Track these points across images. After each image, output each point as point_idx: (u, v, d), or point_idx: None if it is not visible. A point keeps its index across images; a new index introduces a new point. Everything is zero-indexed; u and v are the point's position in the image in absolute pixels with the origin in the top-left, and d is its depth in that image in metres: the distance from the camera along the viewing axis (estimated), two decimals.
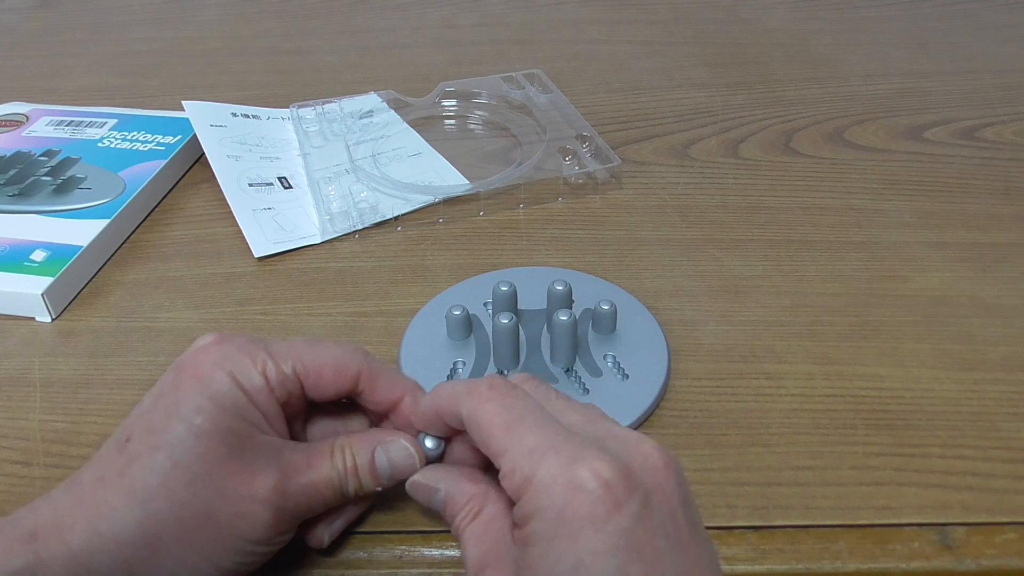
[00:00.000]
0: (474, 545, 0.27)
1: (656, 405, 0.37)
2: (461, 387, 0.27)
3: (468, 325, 0.40)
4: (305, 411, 0.31)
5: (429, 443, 0.30)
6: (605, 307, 0.39)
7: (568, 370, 0.38)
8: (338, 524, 0.31)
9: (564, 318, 0.37)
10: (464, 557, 0.27)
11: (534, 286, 0.42)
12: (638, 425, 0.36)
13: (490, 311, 0.41)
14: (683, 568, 0.23)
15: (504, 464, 0.25)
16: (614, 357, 0.39)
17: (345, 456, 0.29)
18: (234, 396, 0.27)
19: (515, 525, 0.25)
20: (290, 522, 0.29)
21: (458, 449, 0.30)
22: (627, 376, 0.38)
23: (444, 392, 0.28)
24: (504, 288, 0.39)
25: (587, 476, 0.23)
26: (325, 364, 0.29)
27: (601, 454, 0.24)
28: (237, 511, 0.26)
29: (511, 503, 0.25)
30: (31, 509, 0.26)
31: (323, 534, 0.31)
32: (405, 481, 0.30)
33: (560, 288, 0.39)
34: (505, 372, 0.38)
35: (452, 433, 0.30)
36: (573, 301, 0.40)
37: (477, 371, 0.38)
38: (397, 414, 0.31)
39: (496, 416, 0.26)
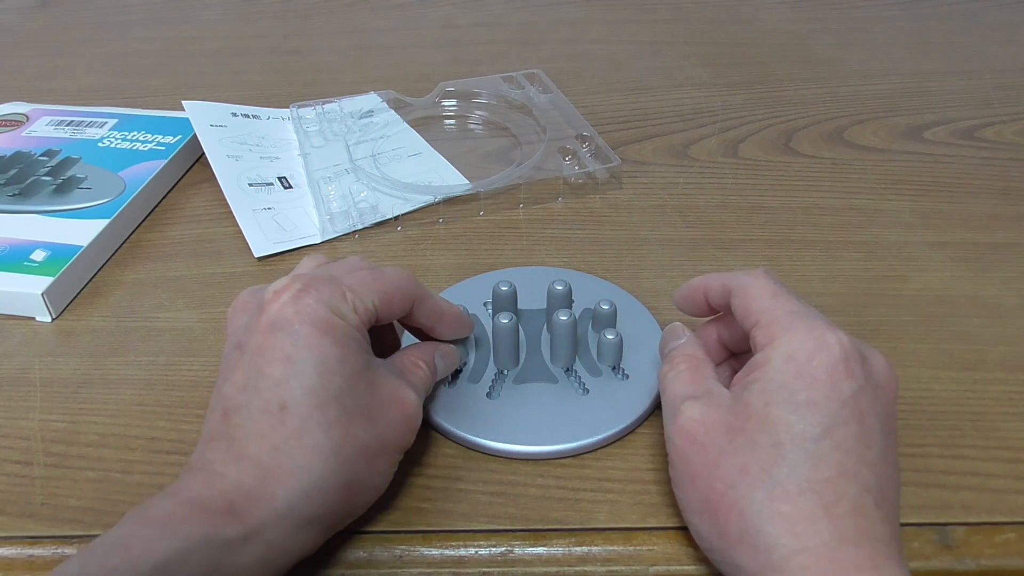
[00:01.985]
0: (682, 384, 0.32)
1: (656, 405, 0.37)
2: (731, 273, 0.33)
3: None
4: None
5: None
6: (605, 307, 0.39)
7: (568, 370, 0.38)
8: None
9: (564, 318, 0.37)
10: (667, 392, 0.32)
11: (534, 286, 0.42)
12: (637, 425, 0.36)
13: (490, 311, 0.41)
14: (884, 453, 0.27)
15: (763, 318, 0.30)
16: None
17: (417, 363, 0.34)
18: (352, 334, 0.30)
19: (749, 370, 0.30)
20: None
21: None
22: (627, 376, 0.38)
23: (714, 276, 0.34)
24: (504, 288, 0.39)
25: (834, 341, 0.28)
26: (395, 292, 0.32)
27: (847, 335, 0.29)
28: (401, 429, 0.31)
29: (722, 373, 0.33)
30: (207, 485, 0.27)
31: None
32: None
33: (560, 288, 0.39)
34: (504, 372, 0.38)
35: (705, 312, 0.35)
36: (573, 301, 0.40)
37: (477, 371, 0.38)
38: (439, 328, 0.35)
39: (766, 287, 0.31)
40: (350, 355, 0.29)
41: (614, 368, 0.38)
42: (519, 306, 0.41)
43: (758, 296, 0.31)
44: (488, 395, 0.37)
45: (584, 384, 0.38)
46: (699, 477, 0.28)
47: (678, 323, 0.36)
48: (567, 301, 0.40)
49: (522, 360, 0.39)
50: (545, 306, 0.41)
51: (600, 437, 0.35)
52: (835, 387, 0.27)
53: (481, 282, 0.44)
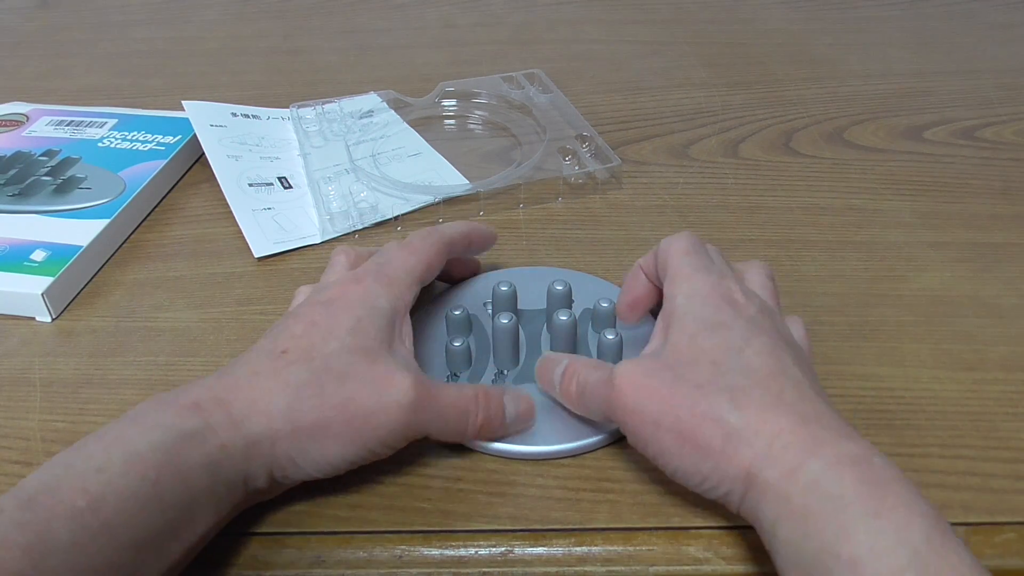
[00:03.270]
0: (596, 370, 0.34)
1: None
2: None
3: (468, 325, 0.40)
4: None
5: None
6: (605, 306, 0.39)
7: None
8: None
9: (564, 318, 0.37)
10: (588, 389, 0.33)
11: (534, 286, 0.42)
12: None
13: (490, 311, 0.41)
14: (801, 362, 0.31)
15: (671, 271, 0.34)
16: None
17: (477, 391, 0.34)
18: (378, 322, 0.33)
19: (661, 321, 0.34)
20: (418, 429, 0.32)
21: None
22: None
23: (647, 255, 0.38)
24: (504, 288, 0.39)
25: (729, 284, 0.33)
26: (431, 264, 0.37)
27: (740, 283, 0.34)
28: (375, 406, 0.31)
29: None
30: (185, 389, 0.31)
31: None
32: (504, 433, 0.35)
33: (560, 288, 0.39)
34: (504, 372, 0.38)
35: (652, 294, 0.38)
36: (573, 301, 0.40)
37: (477, 370, 0.38)
38: (472, 251, 0.41)
39: (682, 246, 0.35)
40: (366, 336, 0.32)
41: None
42: (519, 306, 0.41)
43: (675, 253, 0.35)
44: None
45: None
46: (662, 415, 0.30)
47: (549, 353, 0.38)
48: (567, 301, 0.40)
49: (522, 360, 0.39)
50: (545, 306, 0.41)
51: (597, 438, 0.35)
52: (737, 311, 0.32)
53: (481, 282, 0.44)
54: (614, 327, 0.39)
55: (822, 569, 0.25)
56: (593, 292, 0.42)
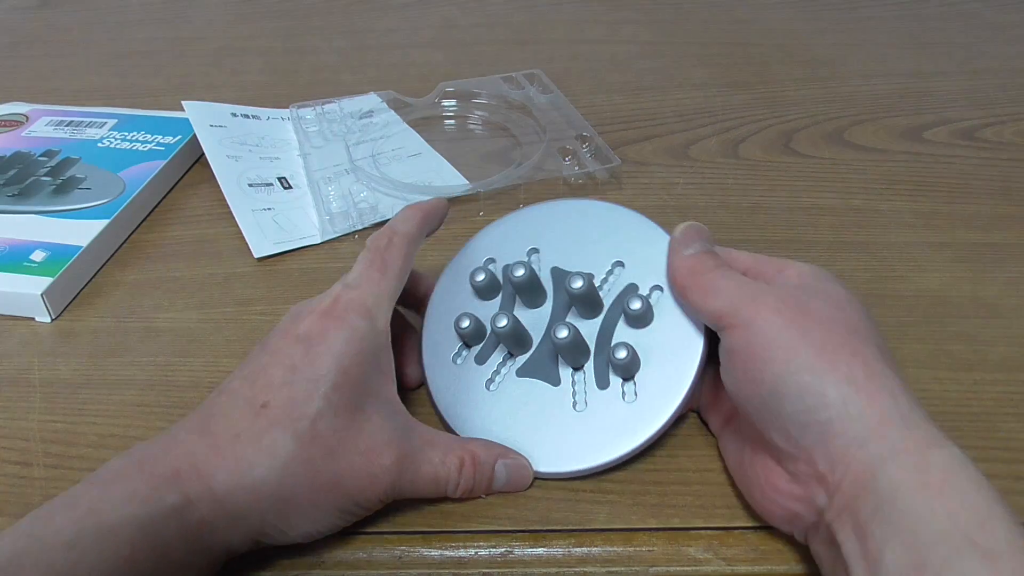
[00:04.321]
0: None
1: (656, 437, 0.34)
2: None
3: (495, 285, 0.38)
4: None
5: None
6: (635, 307, 0.35)
7: (578, 368, 0.36)
8: None
9: (562, 336, 0.34)
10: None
11: (555, 240, 0.39)
12: (623, 461, 0.34)
13: (530, 259, 0.39)
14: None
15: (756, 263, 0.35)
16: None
17: (465, 461, 0.32)
18: (363, 367, 0.31)
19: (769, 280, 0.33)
20: (395, 495, 0.31)
21: None
22: (636, 396, 0.35)
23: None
24: (519, 273, 0.36)
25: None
26: (403, 275, 0.34)
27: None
28: (362, 482, 0.30)
29: None
30: (163, 450, 0.29)
31: None
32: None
33: (579, 286, 0.35)
34: (512, 356, 0.37)
35: None
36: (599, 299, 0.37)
37: (486, 350, 0.37)
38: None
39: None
40: (351, 389, 0.30)
41: (625, 380, 0.35)
42: (540, 267, 0.38)
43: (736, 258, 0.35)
44: (488, 385, 0.36)
45: (586, 397, 0.35)
46: (811, 332, 0.29)
47: (692, 223, 0.36)
48: (590, 298, 0.36)
49: (535, 345, 0.37)
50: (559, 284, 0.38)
51: (575, 469, 0.34)
52: (845, 293, 0.32)
53: (497, 239, 0.40)
54: (647, 326, 0.35)
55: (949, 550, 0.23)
56: (652, 268, 0.36)
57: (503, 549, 0.32)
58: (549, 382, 0.36)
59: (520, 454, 0.34)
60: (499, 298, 0.38)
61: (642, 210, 0.39)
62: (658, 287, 0.36)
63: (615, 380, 0.35)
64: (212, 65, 0.73)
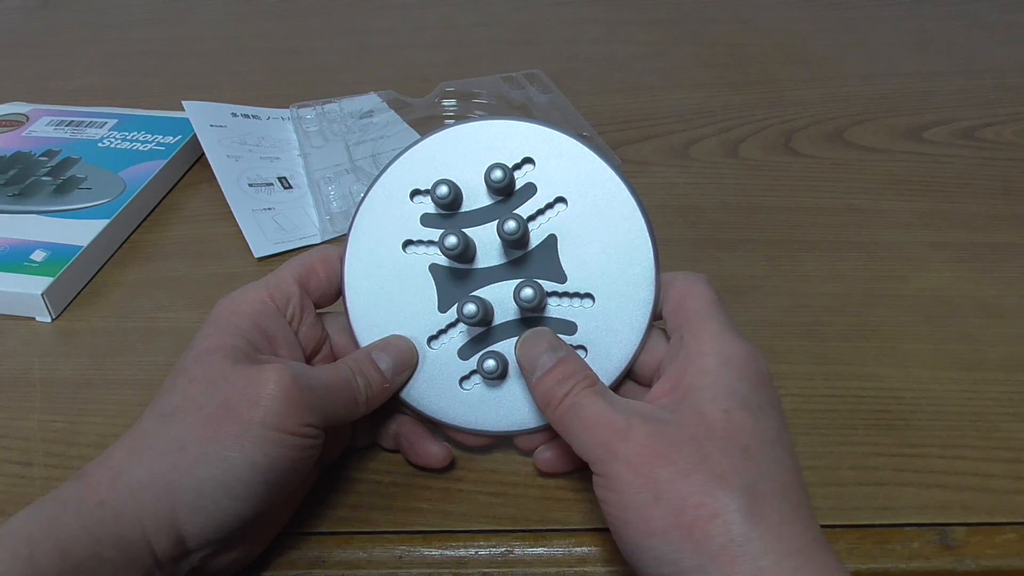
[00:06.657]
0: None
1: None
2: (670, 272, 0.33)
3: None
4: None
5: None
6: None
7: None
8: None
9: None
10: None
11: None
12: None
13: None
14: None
15: (696, 320, 0.31)
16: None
17: (347, 361, 0.32)
18: (237, 321, 0.31)
19: (678, 379, 0.29)
20: (307, 413, 0.29)
21: None
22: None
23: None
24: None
25: (758, 352, 0.30)
26: (314, 260, 0.35)
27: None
28: (250, 398, 0.28)
29: None
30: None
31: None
32: (405, 383, 0.34)
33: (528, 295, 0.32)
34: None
35: None
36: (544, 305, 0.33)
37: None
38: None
39: (708, 294, 0.31)
40: (224, 336, 0.30)
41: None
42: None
43: (701, 298, 0.31)
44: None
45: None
46: (667, 492, 0.26)
47: (543, 328, 0.32)
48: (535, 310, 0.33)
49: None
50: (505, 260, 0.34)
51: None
52: (771, 394, 0.29)
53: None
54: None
55: None
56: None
57: (503, 549, 0.32)
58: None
59: (387, 337, 0.34)
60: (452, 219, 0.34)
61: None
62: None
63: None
64: (212, 65, 0.73)
